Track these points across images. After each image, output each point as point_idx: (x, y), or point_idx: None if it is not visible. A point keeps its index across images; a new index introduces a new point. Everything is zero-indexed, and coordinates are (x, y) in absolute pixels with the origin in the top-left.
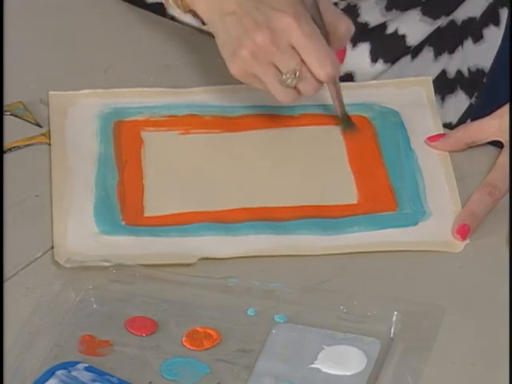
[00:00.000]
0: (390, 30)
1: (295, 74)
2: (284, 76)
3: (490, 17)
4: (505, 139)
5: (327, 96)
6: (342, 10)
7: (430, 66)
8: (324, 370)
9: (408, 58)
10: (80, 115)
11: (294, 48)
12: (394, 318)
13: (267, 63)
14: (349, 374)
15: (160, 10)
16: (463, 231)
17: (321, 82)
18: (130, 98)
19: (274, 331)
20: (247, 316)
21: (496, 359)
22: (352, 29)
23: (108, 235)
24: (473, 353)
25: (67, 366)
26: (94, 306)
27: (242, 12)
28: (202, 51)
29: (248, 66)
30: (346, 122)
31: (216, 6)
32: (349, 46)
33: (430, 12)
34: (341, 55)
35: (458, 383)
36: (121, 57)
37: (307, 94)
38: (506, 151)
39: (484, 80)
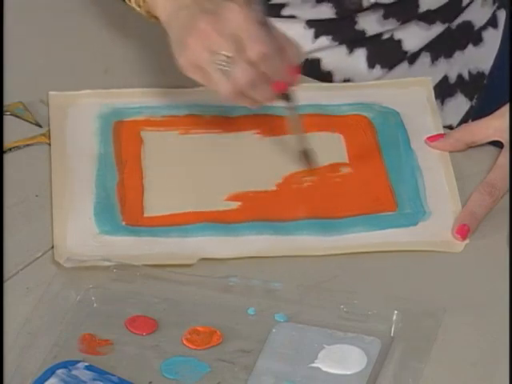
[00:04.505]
0: (386, 35)
1: (230, 58)
2: (219, 59)
3: (488, 19)
4: (505, 139)
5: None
6: (339, 19)
7: (427, 71)
8: (324, 369)
9: (405, 64)
10: (80, 115)
11: (236, 35)
12: (395, 317)
13: (210, 51)
14: (349, 373)
15: None
16: (463, 231)
17: (254, 68)
18: (130, 98)
19: (274, 330)
20: (248, 315)
21: (496, 359)
22: (302, 53)
23: (108, 235)
24: (473, 353)
25: (67, 364)
26: (95, 305)
27: (195, 5)
28: None
29: (193, 56)
30: (307, 156)
31: (174, 5)
32: (345, 52)
33: (427, 19)
34: (293, 73)
35: (457, 383)
36: (121, 57)
37: (241, 81)
38: (505, 151)
39: (484, 82)
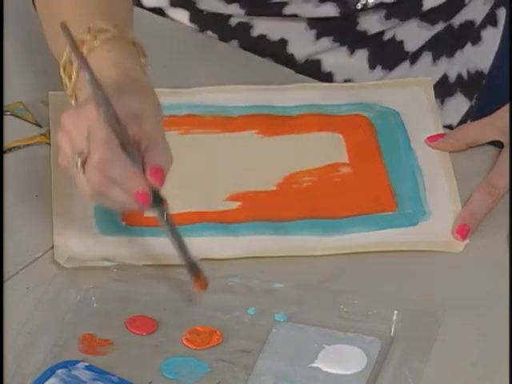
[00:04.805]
0: (387, 36)
1: (82, 157)
2: (75, 159)
3: (487, 18)
4: (505, 139)
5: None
6: (340, 19)
7: (428, 70)
8: (324, 369)
9: (407, 63)
10: None
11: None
12: (395, 317)
13: (71, 150)
14: (349, 373)
15: (160, 10)
16: (463, 231)
17: (99, 172)
18: None
19: (274, 330)
20: (248, 315)
21: (496, 359)
22: (170, 156)
23: (108, 235)
24: (473, 353)
25: (67, 364)
26: (95, 305)
27: (70, 102)
28: (202, 51)
29: (61, 154)
30: (193, 269)
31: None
32: (346, 53)
33: (428, 18)
34: (156, 177)
35: (457, 383)
36: None
37: (89, 184)
38: (506, 151)
39: (484, 81)
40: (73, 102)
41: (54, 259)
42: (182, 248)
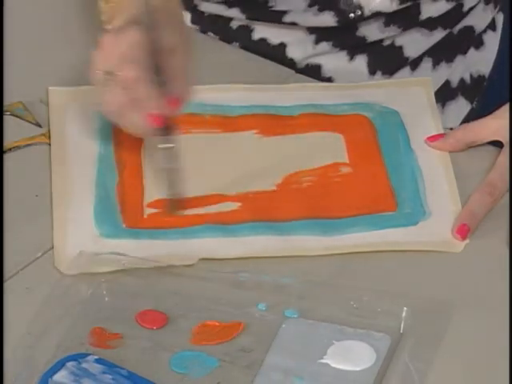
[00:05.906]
0: (387, 41)
1: (111, 76)
2: (102, 76)
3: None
4: (505, 139)
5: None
6: (339, 26)
7: (428, 76)
8: (333, 365)
9: (407, 69)
10: (80, 114)
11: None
12: (404, 314)
13: (101, 67)
14: (358, 369)
15: None
16: (463, 231)
17: (124, 91)
18: None
19: (284, 326)
20: (258, 310)
21: (496, 359)
22: (191, 89)
23: (108, 238)
24: (473, 353)
25: (77, 357)
26: (106, 298)
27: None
28: (202, 51)
29: (92, 70)
30: (172, 204)
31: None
32: (346, 58)
33: (428, 26)
34: (173, 104)
35: (457, 383)
36: None
37: (110, 102)
38: (506, 151)
39: (484, 84)
40: (109, 27)
41: (53, 259)
42: (172, 184)
